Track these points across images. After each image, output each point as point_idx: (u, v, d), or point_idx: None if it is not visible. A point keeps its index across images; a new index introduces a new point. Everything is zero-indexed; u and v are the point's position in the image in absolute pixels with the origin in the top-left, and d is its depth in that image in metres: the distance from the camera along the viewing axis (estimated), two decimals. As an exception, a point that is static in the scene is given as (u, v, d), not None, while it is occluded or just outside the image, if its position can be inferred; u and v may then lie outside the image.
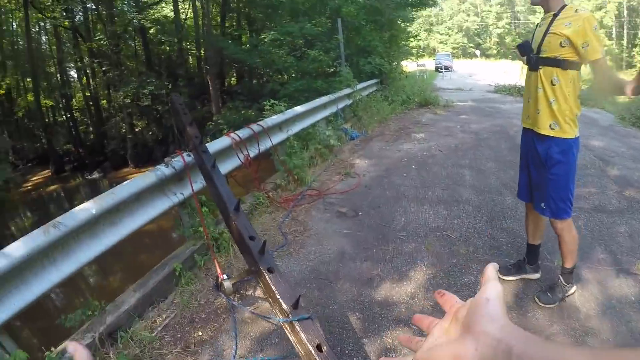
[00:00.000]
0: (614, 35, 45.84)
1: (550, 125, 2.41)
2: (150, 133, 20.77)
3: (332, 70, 11.60)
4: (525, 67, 2.57)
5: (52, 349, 2.62)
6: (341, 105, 8.71)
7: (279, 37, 11.42)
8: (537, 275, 3.05)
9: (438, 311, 0.61)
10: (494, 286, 0.50)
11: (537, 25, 2.52)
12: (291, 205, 4.49)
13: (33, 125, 27.73)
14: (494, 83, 19.21)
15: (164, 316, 2.92)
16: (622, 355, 0.37)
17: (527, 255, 3.07)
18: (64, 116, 27.69)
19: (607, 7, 44.11)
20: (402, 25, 14.86)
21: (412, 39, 17.65)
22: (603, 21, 43.53)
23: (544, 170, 2.53)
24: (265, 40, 12.01)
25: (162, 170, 3.31)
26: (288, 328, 2.10)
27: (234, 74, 22.58)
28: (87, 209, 2.78)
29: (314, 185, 5.33)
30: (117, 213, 2.99)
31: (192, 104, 17.32)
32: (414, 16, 15.35)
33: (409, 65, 15.13)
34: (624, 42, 45.07)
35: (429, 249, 3.71)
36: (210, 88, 17.44)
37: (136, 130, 21.15)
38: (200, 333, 2.73)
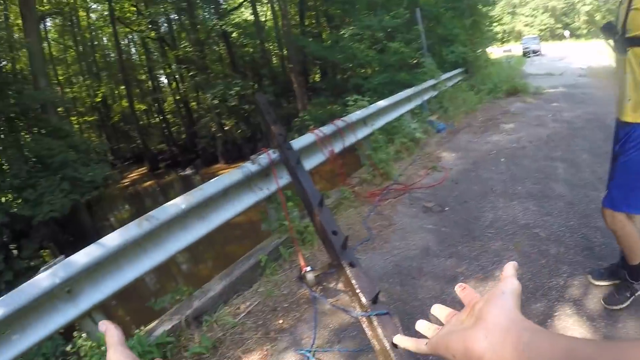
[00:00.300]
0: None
1: (634, 109, 2.10)
2: (239, 131, 21.82)
3: (414, 61, 11.31)
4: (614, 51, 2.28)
5: (142, 327, 2.91)
6: (426, 97, 8.49)
7: (358, 32, 11.39)
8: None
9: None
10: (511, 282, 0.53)
11: (619, 3, 2.19)
12: (376, 200, 4.49)
13: (128, 128, 30.83)
14: (586, 66, 17.64)
15: (248, 303, 3.10)
16: (630, 347, 0.37)
17: (621, 259, 2.73)
18: (157, 118, 30.46)
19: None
20: (484, 10, 14.06)
21: (495, 24, 16.61)
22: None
23: (619, 156, 2.23)
24: (345, 35, 12.03)
25: (248, 167, 3.51)
26: (365, 322, 2.12)
27: (318, 71, 22.89)
28: (177, 204, 3.05)
29: (400, 180, 5.27)
30: (205, 208, 3.23)
31: (278, 101, 17.88)
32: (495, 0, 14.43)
33: (494, 52, 14.20)
34: None
35: (517, 248, 3.50)
36: (295, 85, 17.86)
37: (225, 128, 22.33)
38: (281, 321, 2.87)
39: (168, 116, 29.14)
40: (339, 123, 4.73)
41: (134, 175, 26.12)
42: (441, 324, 0.61)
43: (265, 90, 17.17)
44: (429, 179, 5.17)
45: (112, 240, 2.70)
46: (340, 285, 3.05)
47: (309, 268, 2.98)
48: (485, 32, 14.56)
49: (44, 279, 2.44)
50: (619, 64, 2.18)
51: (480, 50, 13.52)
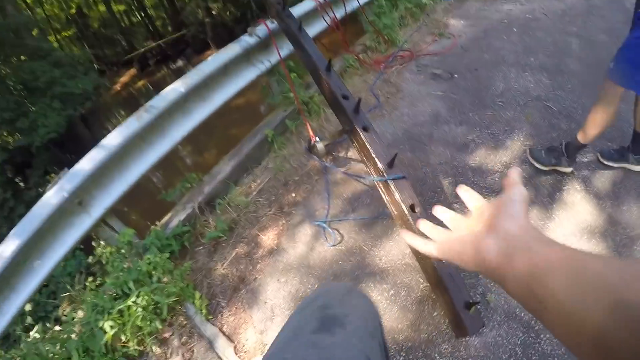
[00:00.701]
0: None
1: None
2: (228, 13, 20.39)
3: None
4: None
5: (157, 222, 2.91)
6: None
7: None
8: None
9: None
10: (519, 189, 0.55)
11: None
12: (382, 67, 4.24)
13: (111, 33, 28.83)
14: None
15: (258, 181, 3.07)
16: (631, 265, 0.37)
17: (632, 143, 2.65)
18: (138, 16, 28.34)
19: None
20: None
21: None
22: None
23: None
24: None
25: (246, 40, 3.23)
26: (382, 187, 2.09)
27: None
28: (176, 88, 2.85)
29: (405, 47, 4.96)
30: (205, 88, 3.04)
31: None
32: None
33: None
34: None
35: (528, 119, 3.43)
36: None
37: (213, 13, 20.87)
38: (293, 195, 2.86)
39: (150, 11, 27.42)
40: None
41: (124, 79, 25.00)
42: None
43: None
44: (436, 46, 4.86)
45: (113, 139, 2.56)
46: (350, 154, 3.00)
47: (317, 138, 2.89)
48: None
49: (52, 197, 2.36)
50: None
51: None
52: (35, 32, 13.02)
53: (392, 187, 1.98)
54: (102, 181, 2.59)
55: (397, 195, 1.96)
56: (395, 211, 2.02)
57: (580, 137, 2.50)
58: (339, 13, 4.30)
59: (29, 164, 10.34)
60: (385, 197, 2.09)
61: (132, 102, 19.80)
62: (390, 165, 2.04)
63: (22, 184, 10.07)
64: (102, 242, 2.65)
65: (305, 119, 3.11)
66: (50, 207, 2.32)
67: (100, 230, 2.68)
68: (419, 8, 6.02)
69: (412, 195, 1.99)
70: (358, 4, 4.64)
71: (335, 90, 2.26)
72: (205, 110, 3.00)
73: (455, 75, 4.11)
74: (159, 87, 20.14)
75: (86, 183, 2.46)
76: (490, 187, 2.66)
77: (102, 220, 2.63)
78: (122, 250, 2.51)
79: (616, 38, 5.11)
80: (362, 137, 2.10)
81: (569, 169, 2.62)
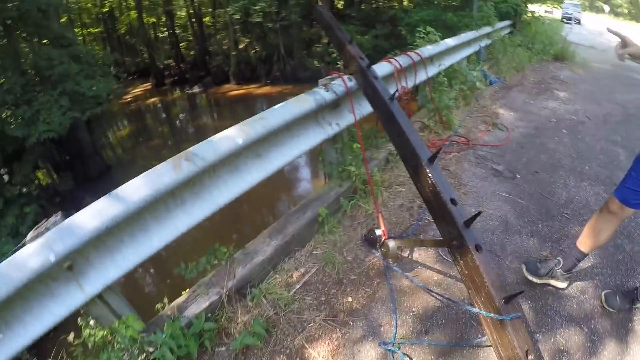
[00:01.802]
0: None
1: None
2: (254, 51, 20.52)
3: (458, 4, 10.25)
4: None
5: (166, 302, 2.28)
6: (482, 43, 7.69)
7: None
8: None
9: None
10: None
11: None
12: (441, 152, 3.91)
13: (135, 42, 29.01)
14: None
15: (302, 270, 2.50)
16: None
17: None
18: (165, 32, 28.47)
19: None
20: None
21: None
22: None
23: None
24: None
25: (322, 94, 2.74)
26: (491, 325, 1.64)
27: None
28: (231, 137, 2.23)
29: (459, 131, 4.72)
30: (263, 143, 2.46)
31: (300, 24, 16.28)
32: None
33: (537, 10, 13.03)
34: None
35: None
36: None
37: (239, 47, 21.03)
38: (349, 299, 2.30)
39: (178, 31, 27.45)
40: (414, 56, 3.99)
41: (137, 90, 24.73)
42: None
43: (292, 10, 15.51)
44: (491, 137, 4.63)
45: (137, 190, 1.87)
46: (417, 256, 2.54)
47: (389, 236, 2.39)
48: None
49: (34, 255, 1.65)
50: None
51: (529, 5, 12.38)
52: (64, 18, 12.40)
53: (509, 328, 1.55)
54: (108, 244, 1.87)
55: (512, 337, 1.54)
56: (503, 354, 1.59)
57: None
58: (410, 82, 3.98)
59: (19, 156, 9.53)
60: (492, 336, 1.64)
61: (139, 117, 19.46)
62: (507, 300, 1.61)
63: (6, 177, 9.25)
64: (91, 321, 1.95)
65: (376, 206, 2.62)
66: (28, 271, 1.61)
67: (92, 305, 1.91)
68: (470, 91, 5.85)
69: (526, 339, 1.60)
70: (426, 77, 4.36)
71: (442, 189, 1.84)
72: (260, 172, 2.42)
73: (518, 176, 3.85)
74: (168, 107, 19.95)
75: (85, 245, 1.75)
76: (569, 315, 2.28)
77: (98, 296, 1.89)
78: (121, 346, 1.86)
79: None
80: (475, 259, 1.66)
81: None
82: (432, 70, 4.74)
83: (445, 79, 5.14)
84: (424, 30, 5.32)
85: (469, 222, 1.75)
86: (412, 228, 2.77)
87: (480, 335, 2.06)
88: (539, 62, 9.76)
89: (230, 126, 2.33)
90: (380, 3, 15.17)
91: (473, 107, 5.62)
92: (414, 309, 2.23)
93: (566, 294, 2.43)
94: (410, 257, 2.57)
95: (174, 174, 1.97)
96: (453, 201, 1.83)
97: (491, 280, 1.66)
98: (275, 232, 2.63)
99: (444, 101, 4.65)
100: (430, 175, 1.92)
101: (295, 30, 15.13)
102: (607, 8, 46.09)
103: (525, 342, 1.58)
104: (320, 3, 15.67)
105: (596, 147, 4.90)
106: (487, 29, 8.05)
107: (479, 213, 1.74)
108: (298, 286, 2.38)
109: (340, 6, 20.07)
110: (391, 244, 2.25)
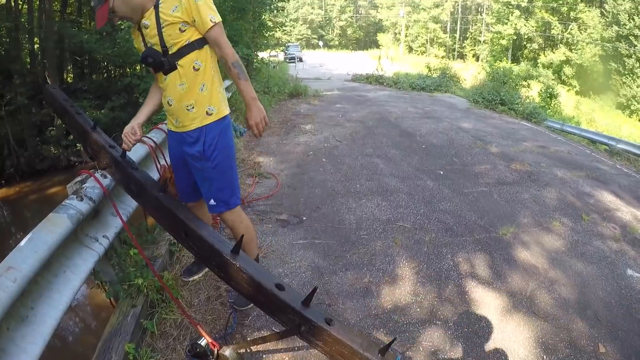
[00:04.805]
0: (448, 29, 53.94)
1: (207, 112, 2.06)
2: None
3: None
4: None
5: None
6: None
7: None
8: None
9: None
10: None
11: (132, 39, 2.19)
12: (220, 223, 3.37)
13: None
14: (350, 72, 20.22)
15: None
16: None
17: None
18: None
19: (445, 5, 51.66)
20: (268, 16, 13.96)
21: (277, 29, 16.69)
22: (440, 17, 52.08)
23: (207, 162, 2.13)
24: (122, 27, 9.96)
25: (75, 206, 2.03)
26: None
27: (71, 69, 18.23)
28: None
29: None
30: (24, 301, 1.68)
31: (28, 106, 13.44)
32: (278, 6, 14.33)
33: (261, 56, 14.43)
34: (457, 35, 52.90)
35: (397, 243, 3.44)
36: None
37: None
38: None
39: None
40: (164, 127, 3.49)
41: None
42: None
43: (17, 91, 12.65)
44: (262, 188, 4.49)
45: None
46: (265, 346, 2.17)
47: (214, 341, 1.94)
48: (267, 36, 14.56)
49: None
50: (169, 82, 2.02)
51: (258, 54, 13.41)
52: None
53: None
54: None
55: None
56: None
57: None
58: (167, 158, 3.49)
59: None
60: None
61: None
62: (382, 352, 1.47)
63: None
64: None
65: (185, 313, 2.11)
66: None
67: None
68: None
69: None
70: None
71: (262, 280, 1.55)
72: (36, 339, 1.60)
73: (304, 218, 3.84)
74: None
75: None
76: (419, 322, 2.48)
77: None
78: None
79: (402, 150, 6.30)
80: (332, 333, 1.45)
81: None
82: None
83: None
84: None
85: (307, 301, 1.54)
86: (233, 318, 2.39)
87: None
88: (277, 103, 10.53)
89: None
90: (112, 72, 14.12)
91: (233, 164, 5.54)
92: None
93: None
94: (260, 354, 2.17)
95: None
96: (279, 287, 1.59)
97: (358, 343, 1.48)
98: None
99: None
100: (242, 268, 1.62)
101: (24, 114, 12.67)
102: (321, 43, 54.66)
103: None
104: (49, 81, 13.56)
105: (356, 164, 5.44)
106: (226, 83, 8.25)
107: (315, 289, 1.54)
108: None
109: (70, 80, 17.67)
110: (228, 352, 1.83)
